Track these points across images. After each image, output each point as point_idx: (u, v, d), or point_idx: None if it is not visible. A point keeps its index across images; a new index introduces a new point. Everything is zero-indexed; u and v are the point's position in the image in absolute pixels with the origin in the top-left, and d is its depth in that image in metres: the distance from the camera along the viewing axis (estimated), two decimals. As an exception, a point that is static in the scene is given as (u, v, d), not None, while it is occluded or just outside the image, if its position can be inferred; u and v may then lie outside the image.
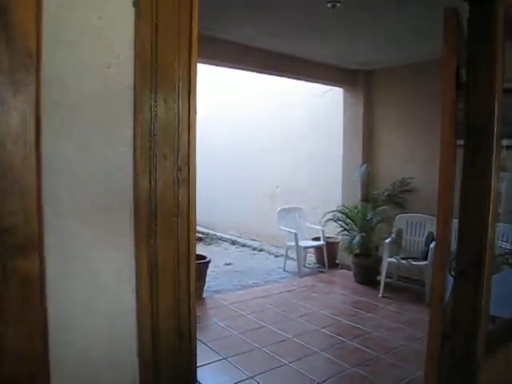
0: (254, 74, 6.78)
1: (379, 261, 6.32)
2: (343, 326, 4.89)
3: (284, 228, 7.36)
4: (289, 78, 6.91)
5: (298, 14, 4.52)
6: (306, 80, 7.03)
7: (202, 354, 4.15)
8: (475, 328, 2.42)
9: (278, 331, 4.71)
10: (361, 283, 6.52)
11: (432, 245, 5.63)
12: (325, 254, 7.28)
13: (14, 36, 1.07)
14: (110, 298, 1.40)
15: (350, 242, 6.62)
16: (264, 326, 4.86)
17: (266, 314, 5.26)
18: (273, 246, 8.69)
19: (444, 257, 2.22)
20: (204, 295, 5.84)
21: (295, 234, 7.00)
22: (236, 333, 4.65)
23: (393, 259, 5.98)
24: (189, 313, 1.52)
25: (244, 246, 9.19)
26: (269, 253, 8.53)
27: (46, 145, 1.19)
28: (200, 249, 7.71)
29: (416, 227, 6.31)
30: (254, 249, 8.89)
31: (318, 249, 7.50)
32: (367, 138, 7.11)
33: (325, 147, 7.86)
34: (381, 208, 6.46)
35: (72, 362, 1.33)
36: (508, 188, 4.97)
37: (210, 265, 6.05)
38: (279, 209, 7.64)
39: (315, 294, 6.09)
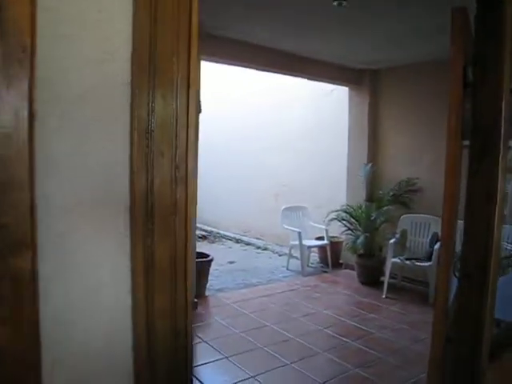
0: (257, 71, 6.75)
1: (383, 261, 6.30)
2: (346, 327, 4.86)
3: (288, 227, 7.33)
4: (294, 76, 6.88)
5: (303, 13, 4.51)
6: (311, 79, 7.00)
7: (204, 353, 4.15)
8: (480, 331, 2.38)
9: (281, 331, 4.68)
10: (364, 283, 6.49)
11: (436, 246, 5.59)
12: (328, 253, 7.25)
13: (8, 30, 1.05)
14: (105, 297, 1.38)
15: (354, 242, 6.59)
16: (266, 326, 4.84)
17: (269, 313, 5.24)
18: (277, 244, 8.67)
19: (448, 258, 2.19)
20: (207, 293, 5.82)
21: (299, 233, 6.98)
22: (238, 331, 4.63)
23: (397, 260, 5.94)
24: (185, 313, 1.49)
25: (248, 244, 9.17)
26: (273, 251, 8.51)
27: (40, 141, 1.17)
28: (203, 247, 7.73)
29: (421, 228, 6.27)
30: (258, 247, 8.88)
31: (322, 248, 7.47)
32: (372, 138, 7.07)
33: (330, 146, 7.84)
34: (385, 208, 6.42)
35: (64, 363, 1.31)
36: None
37: (213, 263, 6.04)
38: (283, 207, 7.62)
39: (318, 294, 6.07)
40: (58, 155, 1.27)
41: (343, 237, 7.11)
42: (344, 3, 4.01)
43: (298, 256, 7.19)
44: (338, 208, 6.89)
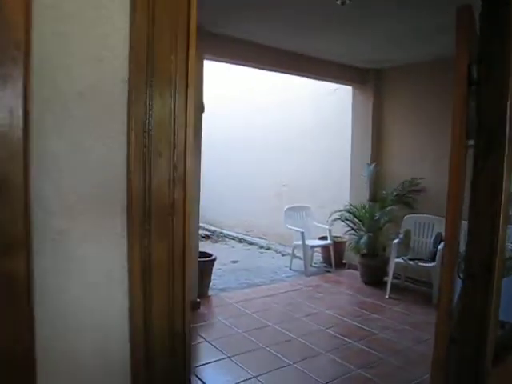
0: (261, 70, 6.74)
1: (386, 261, 6.27)
2: (349, 327, 4.84)
3: (291, 227, 7.32)
4: (298, 76, 6.86)
5: (306, 12, 4.50)
6: (315, 78, 6.99)
7: (206, 352, 4.14)
8: (484, 332, 2.36)
9: (283, 331, 4.67)
10: (367, 283, 6.46)
11: (440, 246, 5.57)
12: (332, 253, 7.23)
13: (1, 27, 1.03)
14: (101, 299, 1.36)
15: (357, 242, 6.56)
16: (269, 325, 4.82)
17: (272, 313, 5.22)
18: (280, 244, 8.66)
19: (453, 258, 2.17)
20: (209, 293, 5.81)
21: (302, 233, 6.97)
22: (240, 331, 4.62)
23: (400, 260, 5.92)
24: (183, 314, 1.47)
25: (251, 244, 9.16)
26: (276, 251, 8.51)
27: (36, 140, 1.15)
28: (206, 246, 7.73)
29: (424, 228, 6.24)
30: (262, 247, 8.87)
31: (325, 248, 7.46)
32: (376, 137, 7.05)
33: (333, 145, 7.82)
34: (389, 208, 6.40)
35: (60, 364, 1.29)
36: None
37: (216, 262, 6.02)
38: (286, 207, 7.60)
39: (321, 294, 6.05)
40: (55, 154, 1.25)
41: (346, 237, 7.09)
42: (347, 2, 3.99)
43: (301, 256, 7.17)
44: (342, 208, 6.87)
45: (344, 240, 7.31)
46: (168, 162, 1.40)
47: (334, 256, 7.23)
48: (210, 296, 5.75)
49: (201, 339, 4.39)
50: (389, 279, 5.96)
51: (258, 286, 6.41)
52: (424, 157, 6.31)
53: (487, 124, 2.29)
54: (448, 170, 2.14)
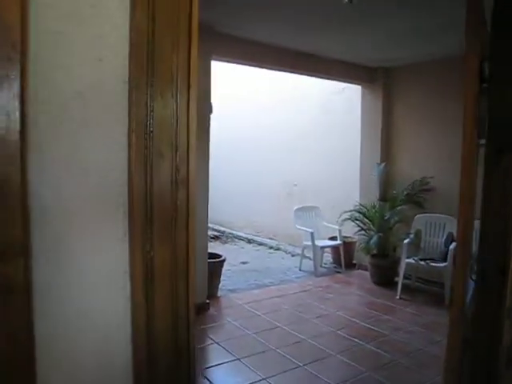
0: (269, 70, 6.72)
1: (397, 261, 6.22)
2: (359, 328, 4.80)
3: (300, 227, 7.28)
4: (305, 75, 6.83)
5: (314, 11, 4.49)
6: (323, 77, 6.95)
7: (215, 354, 4.13)
8: (497, 334, 2.32)
9: (293, 332, 4.64)
10: (378, 284, 6.42)
11: (452, 246, 5.52)
12: (341, 253, 7.19)
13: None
14: (102, 308, 1.33)
15: (368, 242, 6.53)
16: (279, 327, 4.79)
17: (281, 315, 5.19)
18: (290, 245, 8.63)
19: (465, 259, 2.13)
20: (219, 294, 5.80)
21: (311, 234, 6.93)
22: (250, 333, 4.59)
23: (411, 260, 5.87)
24: (187, 324, 1.43)
25: (261, 244, 9.14)
26: (285, 252, 8.48)
27: (33, 143, 1.13)
28: (216, 247, 7.73)
29: (435, 228, 6.18)
30: (271, 247, 8.84)
31: (335, 248, 7.41)
32: (385, 136, 7.00)
33: (342, 145, 7.79)
34: (399, 208, 6.35)
35: (61, 371, 1.27)
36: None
37: (226, 263, 6.01)
38: (296, 208, 7.57)
39: (331, 295, 6.01)
40: (54, 157, 1.23)
41: (356, 237, 7.05)
42: (354, 0, 3.95)
43: (311, 256, 7.14)
44: (352, 208, 6.84)
45: (354, 240, 7.27)
46: (170, 164, 1.36)
47: (344, 256, 7.18)
48: (219, 297, 5.73)
49: (210, 341, 4.37)
50: (399, 280, 5.90)
51: (268, 286, 6.39)
52: (434, 156, 6.26)
53: (500, 123, 2.25)
54: (459, 169, 2.10)
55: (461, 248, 2.16)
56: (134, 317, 1.34)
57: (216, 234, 9.65)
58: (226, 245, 9.15)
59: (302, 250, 7.32)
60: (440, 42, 5.30)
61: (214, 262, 5.58)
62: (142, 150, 1.31)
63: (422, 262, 5.83)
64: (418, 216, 6.30)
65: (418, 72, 6.52)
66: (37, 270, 1.15)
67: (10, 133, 1.02)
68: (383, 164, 6.78)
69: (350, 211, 6.78)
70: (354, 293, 6.24)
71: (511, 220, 2.20)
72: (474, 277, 2.42)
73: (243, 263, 7.65)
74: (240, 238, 9.63)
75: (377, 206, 6.68)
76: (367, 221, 6.69)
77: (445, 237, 5.94)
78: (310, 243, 6.98)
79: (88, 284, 1.31)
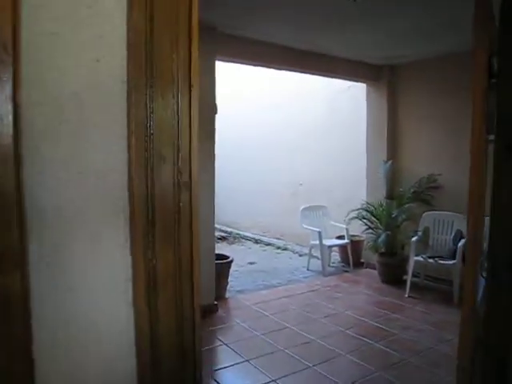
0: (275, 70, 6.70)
1: (405, 260, 6.18)
2: (368, 328, 4.77)
3: (307, 227, 7.26)
4: (312, 74, 6.81)
5: (318, 9, 4.46)
6: (329, 76, 6.93)
7: (224, 356, 4.11)
8: (510, 332, 2.28)
9: (302, 332, 4.61)
10: (386, 283, 6.38)
11: (460, 243, 5.48)
12: (349, 252, 7.16)
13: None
14: (104, 314, 1.31)
15: (375, 241, 6.49)
16: (287, 327, 4.77)
17: (290, 315, 5.17)
18: (297, 244, 8.61)
19: (476, 257, 2.10)
20: (227, 295, 5.78)
21: (319, 233, 6.90)
22: (258, 334, 4.57)
23: (419, 258, 5.83)
24: (193, 326, 1.41)
25: (268, 244, 9.12)
26: (293, 252, 8.45)
27: (28, 147, 1.10)
28: (223, 248, 7.71)
29: (443, 225, 6.14)
30: (278, 247, 8.82)
31: (343, 247, 7.39)
32: (391, 134, 6.97)
33: (348, 143, 7.76)
34: (407, 205, 6.32)
35: (61, 375, 1.25)
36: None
37: (233, 264, 5.99)
38: (302, 207, 7.54)
39: (339, 294, 5.98)
40: (51, 162, 1.20)
41: (364, 235, 7.01)
42: (359, -1, 3.94)
43: (319, 256, 7.11)
44: (359, 206, 6.80)
45: (362, 239, 7.23)
46: (172, 166, 1.34)
47: (352, 255, 7.15)
48: (227, 298, 5.72)
49: (219, 342, 4.36)
50: (408, 278, 5.87)
51: (276, 287, 6.37)
52: (441, 153, 6.22)
53: (508, 118, 2.22)
54: (466, 165, 2.07)
55: (471, 246, 2.13)
56: (136, 323, 1.32)
57: (223, 234, 9.65)
58: (233, 245, 9.14)
59: (310, 250, 7.30)
60: (441, 41, 5.28)
61: (222, 263, 5.57)
62: (142, 153, 1.28)
63: (431, 260, 5.79)
64: (425, 213, 6.26)
65: (422, 69, 6.48)
66: (36, 277, 1.12)
67: (2, 137, 1.00)
68: (390, 162, 6.74)
69: (357, 210, 6.75)
70: (363, 292, 6.20)
71: (522, 216, 2.17)
72: (484, 274, 2.39)
73: (251, 264, 7.63)
74: (247, 239, 9.62)
75: (384, 204, 6.65)
76: (375, 219, 6.66)
77: (453, 234, 5.89)
78: (317, 242, 6.95)
79: (88, 291, 1.28)
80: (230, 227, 10.10)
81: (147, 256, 1.29)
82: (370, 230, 6.68)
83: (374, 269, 6.75)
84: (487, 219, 2.34)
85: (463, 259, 5.27)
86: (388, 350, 4.19)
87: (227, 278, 5.81)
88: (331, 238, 7.36)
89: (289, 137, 8.82)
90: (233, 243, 9.33)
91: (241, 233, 9.90)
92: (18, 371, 1.07)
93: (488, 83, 1.95)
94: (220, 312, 5.20)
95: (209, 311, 4.99)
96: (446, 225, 6.11)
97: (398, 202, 6.45)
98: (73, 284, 1.25)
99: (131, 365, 1.35)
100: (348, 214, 6.76)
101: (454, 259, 5.55)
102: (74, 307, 1.26)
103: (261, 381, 3.61)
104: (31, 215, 1.11)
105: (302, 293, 6.04)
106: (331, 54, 6.22)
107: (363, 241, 7.19)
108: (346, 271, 7.17)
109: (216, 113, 5.10)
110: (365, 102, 7.23)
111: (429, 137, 6.46)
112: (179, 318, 1.37)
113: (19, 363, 1.07)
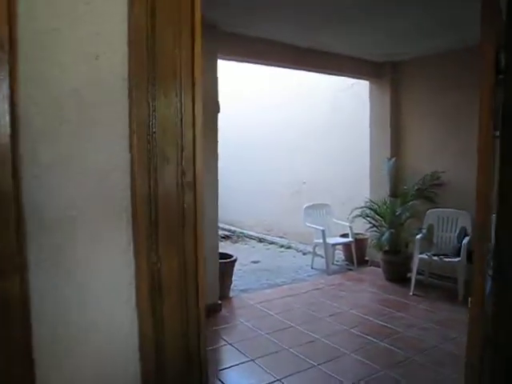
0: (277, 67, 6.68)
1: (409, 257, 6.16)
2: (373, 326, 4.75)
3: (310, 225, 7.24)
4: (314, 72, 6.80)
5: (318, 9, 4.47)
6: (330, 74, 6.90)
7: (229, 356, 4.09)
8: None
9: (306, 331, 4.59)
10: (391, 281, 6.36)
11: (465, 241, 5.45)
12: (353, 250, 7.14)
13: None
14: (107, 322, 1.28)
15: (379, 239, 6.46)
16: (292, 326, 4.75)
17: (294, 314, 5.15)
18: (301, 243, 8.58)
19: (483, 257, 2.08)
20: (231, 294, 5.77)
21: (322, 231, 6.88)
22: (263, 333, 4.56)
23: (424, 256, 5.80)
24: (198, 328, 1.38)
25: (272, 243, 9.10)
26: (297, 250, 8.43)
27: (27, 147, 1.08)
28: (227, 247, 7.70)
29: (448, 223, 6.11)
30: (282, 246, 8.80)
31: (347, 246, 7.36)
32: (395, 131, 6.94)
33: (352, 141, 7.74)
34: (410, 203, 6.29)
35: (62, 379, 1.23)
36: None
37: (237, 263, 5.97)
38: (305, 206, 7.52)
39: (344, 293, 5.96)
40: (50, 162, 1.18)
41: (368, 233, 6.99)
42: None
43: (323, 254, 7.09)
44: (362, 204, 6.78)
45: (365, 237, 7.21)
46: (176, 166, 1.30)
47: (356, 253, 7.13)
48: (231, 297, 5.70)
49: (223, 342, 4.34)
50: (412, 276, 5.84)
51: (280, 286, 6.35)
52: (445, 150, 6.18)
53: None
54: (470, 162, 2.05)
55: (479, 245, 2.10)
56: (140, 327, 1.29)
57: (226, 233, 9.63)
58: (237, 244, 9.13)
59: (314, 248, 7.28)
60: (442, 39, 5.25)
61: (226, 263, 5.55)
62: (144, 152, 1.24)
63: (435, 258, 5.76)
64: (430, 211, 6.24)
65: (424, 66, 6.45)
66: (36, 281, 1.10)
67: (0, 136, 0.98)
68: (393, 159, 6.72)
69: (361, 208, 6.73)
70: (367, 290, 6.18)
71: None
72: (490, 272, 2.37)
73: (254, 262, 7.61)
74: (251, 237, 9.61)
75: (388, 202, 6.62)
76: (378, 217, 6.63)
77: (458, 231, 5.86)
78: (321, 241, 6.93)
79: (90, 296, 1.26)
80: (233, 226, 10.09)
81: (150, 258, 1.26)
82: (374, 228, 6.66)
83: (379, 267, 6.73)
84: (493, 217, 2.32)
85: (468, 257, 5.25)
86: (393, 348, 4.17)
87: (231, 277, 5.79)
88: (335, 236, 7.33)
89: (290, 136, 8.80)
90: (236, 242, 9.32)
91: (244, 231, 9.88)
92: (18, 374, 1.05)
93: (496, 79, 1.93)
94: (224, 311, 5.18)
95: (213, 310, 4.98)
96: (450, 222, 6.08)
97: (402, 199, 6.42)
98: (73, 287, 1.23)
99: (135, 370, 1.33)
100: (352, 212, 6.74)
101: (459, 257, 5.52)
102: (75, 311, 1.24)
103: (266, 380, 3.59)
104: (30, 217, 1.09)
105: (307, 291, 6.02)
106: (333, 52, 6.20)
107: (367, 239, 7.17)
108: (350, 269, 7.15)
109: (219, 111, 5.08)
110: (367, 100, 7.20)
111: (432, 133, 6.43)
112: (184, 321, 1.35)
113: (19, 367, 1.05)
